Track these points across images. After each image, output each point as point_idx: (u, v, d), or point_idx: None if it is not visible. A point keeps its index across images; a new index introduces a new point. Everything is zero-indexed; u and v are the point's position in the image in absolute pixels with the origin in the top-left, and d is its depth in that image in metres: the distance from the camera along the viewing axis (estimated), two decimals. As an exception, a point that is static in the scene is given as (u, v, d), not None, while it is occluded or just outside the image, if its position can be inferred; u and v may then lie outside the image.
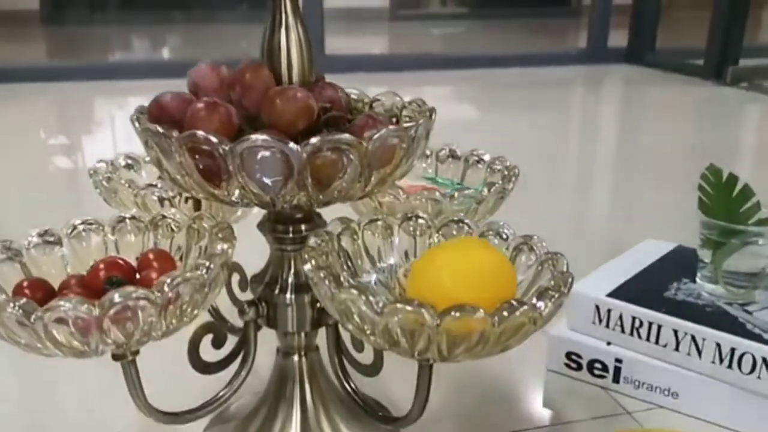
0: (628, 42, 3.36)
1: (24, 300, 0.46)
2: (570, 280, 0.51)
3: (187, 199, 0.67)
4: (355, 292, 0.46)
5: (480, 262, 0.51)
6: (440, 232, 0.61)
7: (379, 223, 0.61)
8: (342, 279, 0.55)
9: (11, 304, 0.45)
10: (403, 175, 0.59)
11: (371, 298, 0.46)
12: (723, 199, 0.81)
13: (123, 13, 5.00)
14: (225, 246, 0.53)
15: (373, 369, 0.62)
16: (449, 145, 0.80)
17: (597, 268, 0.88)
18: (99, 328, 0.47)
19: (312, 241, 0.54)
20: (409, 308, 0.45)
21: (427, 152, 0.80)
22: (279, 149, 0.50)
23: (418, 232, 0.61)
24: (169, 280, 0.47)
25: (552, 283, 0.51)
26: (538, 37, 4.54)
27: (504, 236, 0.59)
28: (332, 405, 0.66)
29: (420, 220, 0.61)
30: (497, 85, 2.86)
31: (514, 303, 0.46)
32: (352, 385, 0.65)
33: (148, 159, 0.76)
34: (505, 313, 0.46)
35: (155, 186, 0.67)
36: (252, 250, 0.69)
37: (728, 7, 2.80)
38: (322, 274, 0.49)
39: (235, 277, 0.73)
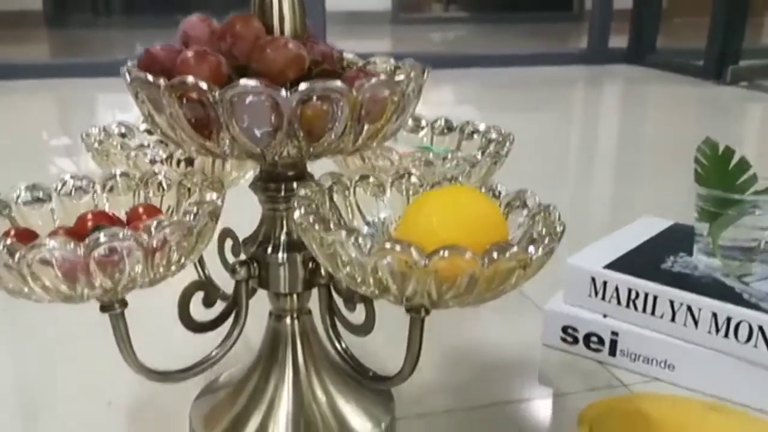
0: (629, 43, 3.35)
1: (8, 240, 0.45)
2: (561, 228, 0.50)
3: (179, 161, 0.67)
4: (343, 233, 0.46)
5: (470, 209, 0.50)
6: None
7: (371, 180, 0.60)
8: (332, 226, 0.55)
9: (-5, 244, 0.45)
10: (394, 133, 0.59)
11: (360, 239, 0.46)
12: (719, 172, 0.81)
13: (126, 16, 5.01)
14: (214, 196, 0.53)
15: (365, 328, 0.62)
16: (444, 115, 0.79)
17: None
18: (85, 271, 0.46)
19: (302, 192, 0.54)
20: (398, 248, 0.45)
21: (423, 123, 0.80)
22: (268, 95, 0.49)
23: (410, 192, 0.61)
24: (155, 223, 0.47)
25: (543, 231, 0.51)
26: (539, 41, 4.54)
27: (497, 193, 0.58)
28: (324, 368, 0.66)
29: (413, 179, 0.61)
30: (498, 84, 2.86)
31: (504, 245, 0.46)
32: (343, 344, 0.65)
33: (142, 128, 0.76)
34: (495, 255, 0.45)
35: (147, 147, 0.66)
36: (245, 219, 0.69)
37: (727, 6, 2.80)
38: (311, 219, 0.49)
39: (228, 244, 0.73)
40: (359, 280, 0.48)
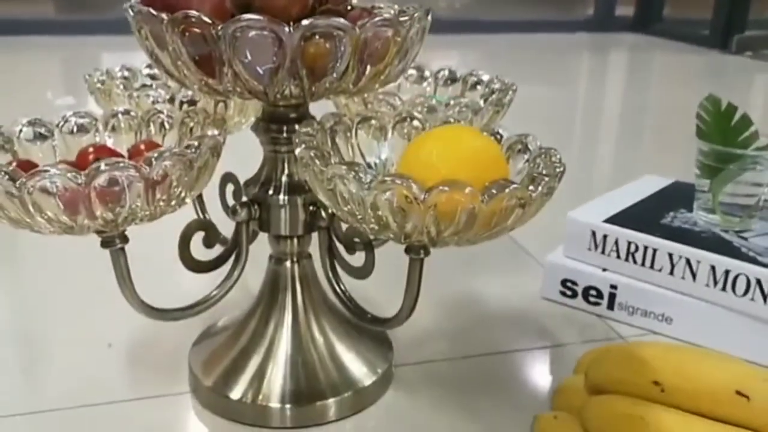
0: (635, 11, 3.33)
1: (10, 167, 0.46)
2: (562, 168, 0.50)
3: (181, 103, 0.67)
4: (343, 167, 0.46)
5: (471, 148, 0.50)
6: (434, 135, 0.60)
7: (373, 122, 0.60)
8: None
9: (-3, 171, 0.45)
10: (397, 76, 0.59)
11: (360, 173, 0.46)
12: (721, 128, 0.80)
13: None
14: (215, 131, 0.53)
15: (364, 271, 0.62)
16: (448, 66, 0.79)
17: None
18: (86, 202, 0.46)
19: (304, 129, 0.54)
20: (398, 181, 0.45)
21: (426, 73, 0.80)
22: (271, 30, 0.49)
23: (412, 135, 0.61)
24: (156, 154, 0.47)
25: (544, 171, 0.51)
26: (545, 8, 4.50)
27: (499, 137, 0.58)
28: (323, 312, 0.66)
29: (415, 122, 0.61)
30: (503, 50, 2.84)
31: (504, 182, 0.46)
32: (342, 286, 0.65)
33: (145, 72, 0.76)
34: (495, 191, 0.45)
35: (150, 87, 0.66)
36: (246, 166, 0.68)
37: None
38: (312, 153, 0.49)
39: (229, 189, 0.73)
40: (359, 217, 0.48)
